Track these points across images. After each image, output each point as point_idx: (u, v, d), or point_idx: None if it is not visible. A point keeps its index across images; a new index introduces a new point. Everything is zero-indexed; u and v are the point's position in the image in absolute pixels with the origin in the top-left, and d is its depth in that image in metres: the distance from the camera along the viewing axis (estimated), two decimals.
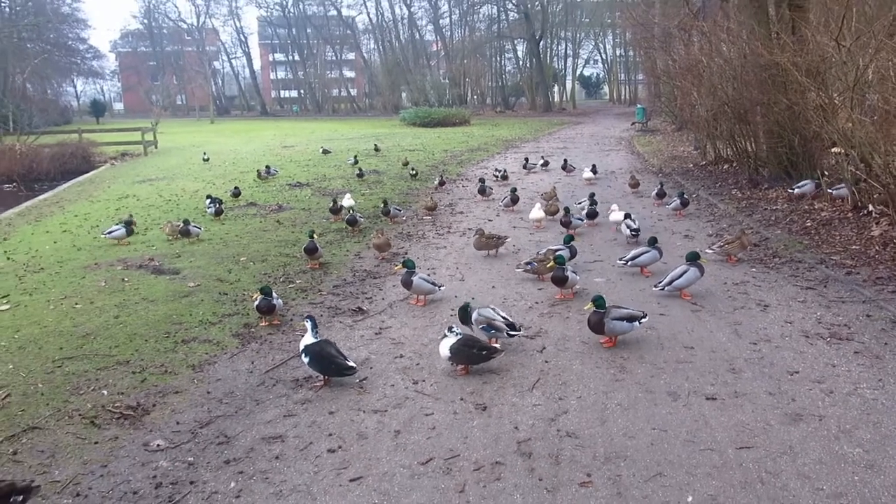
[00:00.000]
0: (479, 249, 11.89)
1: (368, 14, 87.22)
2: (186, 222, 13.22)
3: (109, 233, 13.27)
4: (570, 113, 72.62)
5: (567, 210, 13.34)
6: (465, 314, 7.74)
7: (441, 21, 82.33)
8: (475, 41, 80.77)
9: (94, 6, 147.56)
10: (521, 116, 67.44)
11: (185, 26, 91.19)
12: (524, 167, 23.70)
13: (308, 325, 6.91)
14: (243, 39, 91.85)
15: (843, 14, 12.53)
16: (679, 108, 24.74)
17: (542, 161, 24.30)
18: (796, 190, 14.81)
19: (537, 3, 76.23)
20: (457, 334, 6.88)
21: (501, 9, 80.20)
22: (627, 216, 12.54)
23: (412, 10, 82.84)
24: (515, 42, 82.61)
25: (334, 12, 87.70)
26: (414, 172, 22.00)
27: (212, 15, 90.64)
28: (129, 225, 13.34)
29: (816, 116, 13.33)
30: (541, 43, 77.13)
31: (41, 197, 23.85)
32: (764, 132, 16.64)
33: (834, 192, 13.80)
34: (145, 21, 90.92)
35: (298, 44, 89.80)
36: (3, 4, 63.54)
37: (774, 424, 5.72)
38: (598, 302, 7.43)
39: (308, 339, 6.80)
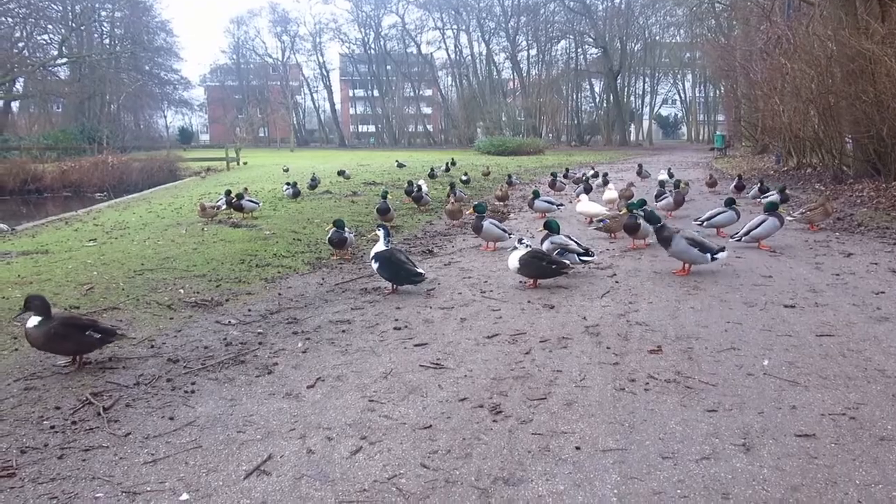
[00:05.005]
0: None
1: (447, 51, 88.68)
2: (240, 196, 13.34)
3: (218, 200, 13.87)
4: (645, 148, 71.79)
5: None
6: (549, 231, 7.69)
7: (518, 55, 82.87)
8: (552, 77, 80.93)
9: (187, 42, 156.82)
10: (597, 150, 67.13)
11: (270, 61, 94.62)
12: (564, 176, 20.81)
13: (381, 233, 6.97)
14: (325, 74, 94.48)
15: None
16: (762, 117, 24.02)
17: (591, 172, 21.68)
18: None
19: (616, 40, 76.17)
20: (526, 246, 6.83)
21: (579, 43, 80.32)
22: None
23: (490, 46, 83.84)
24: (592, 80, 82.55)
25: (414, 49, 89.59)
26: (487, 171, 21.73)
27: (297, 50, 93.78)
28: (227, 195, 13.78)
29: None
30: (618, 79, 76.87)
31: (129, 196, 24.95)
32: (850, 123, 16.08)
33: None
34: (234, 56, 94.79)
35: (378, 79, 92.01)
36: (103, 36, 67.35)
37: (858, 322, 5.46)
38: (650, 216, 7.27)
39: (379, 246, 6.86)
